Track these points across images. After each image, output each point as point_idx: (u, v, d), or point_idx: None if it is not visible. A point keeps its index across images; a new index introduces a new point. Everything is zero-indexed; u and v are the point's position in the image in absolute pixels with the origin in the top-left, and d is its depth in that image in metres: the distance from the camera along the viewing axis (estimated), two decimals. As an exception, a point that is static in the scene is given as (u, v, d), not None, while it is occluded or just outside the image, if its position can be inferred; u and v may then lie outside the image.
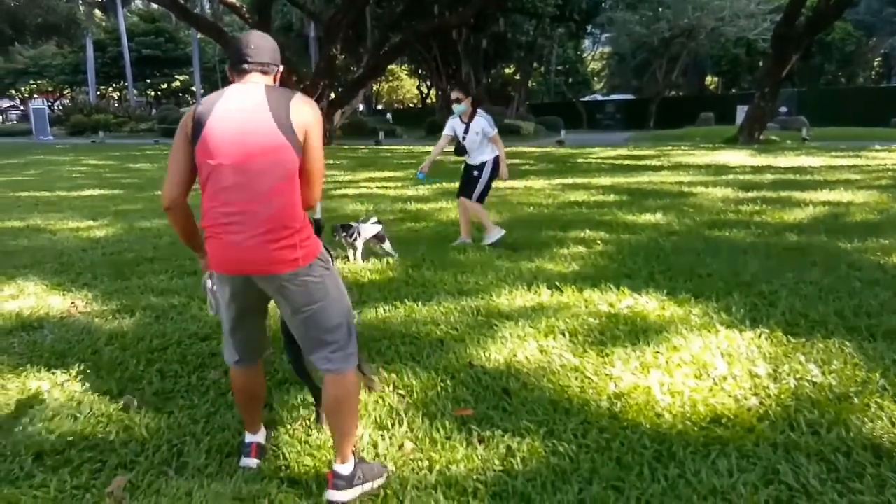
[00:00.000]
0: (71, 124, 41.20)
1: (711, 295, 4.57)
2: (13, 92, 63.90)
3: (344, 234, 5.78)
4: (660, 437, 2.68)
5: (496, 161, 6.31)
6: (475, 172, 6.33)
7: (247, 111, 2.14)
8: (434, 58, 46.32)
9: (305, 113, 2.18)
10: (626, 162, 16.46)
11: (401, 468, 2.53)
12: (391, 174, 13.94)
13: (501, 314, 4.29)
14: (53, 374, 3.47)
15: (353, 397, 2.36)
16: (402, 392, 3.19)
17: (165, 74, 57.94)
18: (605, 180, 12.07)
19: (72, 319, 4.43)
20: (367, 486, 2.35)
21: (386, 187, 11.68)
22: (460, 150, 6.37)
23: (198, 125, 2.16)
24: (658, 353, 3.57)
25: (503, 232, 6.48)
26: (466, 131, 6.17)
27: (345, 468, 2.31)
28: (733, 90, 48.77)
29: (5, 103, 67.28)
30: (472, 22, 34.65)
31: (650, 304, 4.42)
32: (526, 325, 4.04)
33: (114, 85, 60.01)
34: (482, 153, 6.25)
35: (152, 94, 61.16)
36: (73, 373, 3.47)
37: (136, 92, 55.86)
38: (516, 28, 42.17)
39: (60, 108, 53.36)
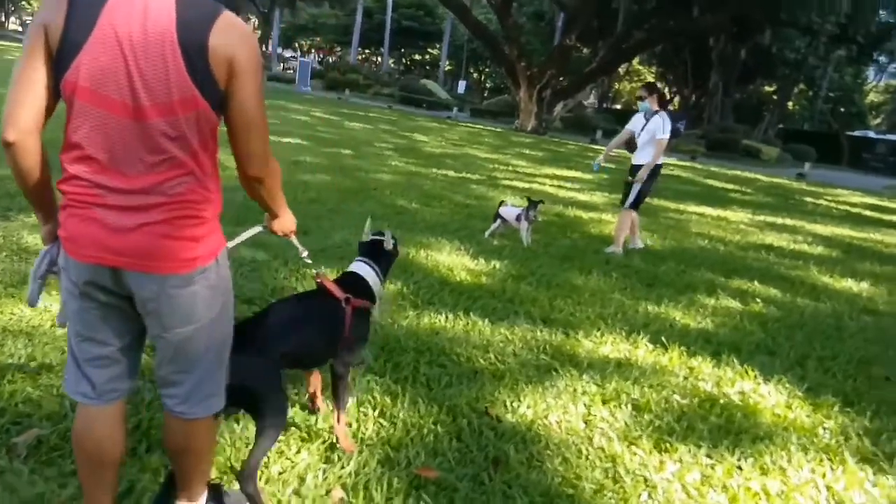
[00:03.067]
0: (328, 80, 45.41)
1: (868, 408, 3.35)
2: (296, 45, 72.27)
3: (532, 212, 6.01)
4: None
5: (656, 168, 6.14)
6: (630, 178, 6.19)
7: (143, 28, 1.39)
8: (683, 62, 43.52)
9: (232, 39, 1.45)
10: (868, 213, 13.76)
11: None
12: (575, 174, 13.08)
13: (572, 358, 3.55)
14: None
15: (203, 448, 1.80)
16: (383, 422, 2.67)
17: (418, 46, 61.52)
18: (824, 228, 10.10)
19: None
20: None
21: (561, 187, 10.93)
22: (633, 145, 6.22)
23: (72, 34, 1.39)
24: (738, 468, 2.63)
25: (620, 253, 6.26)
26: (643, 128, 6.05)
27: None
28: None
29: (288, 54, 76.33)
30: (733, 29, 31.62)
31: (772, 398, 3.36)
32: (591, 381, 3.27)
33: (373, 50, 65.08)
34: (645, 154, 6.06)
35: (402, 62, 65.42)
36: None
37: (390, 59, 60.14)
38: (785, 42, 37.72)
39: (323, 63, 59.18)
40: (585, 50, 41.10)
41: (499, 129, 26.25)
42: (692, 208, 10.10)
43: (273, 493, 2.15)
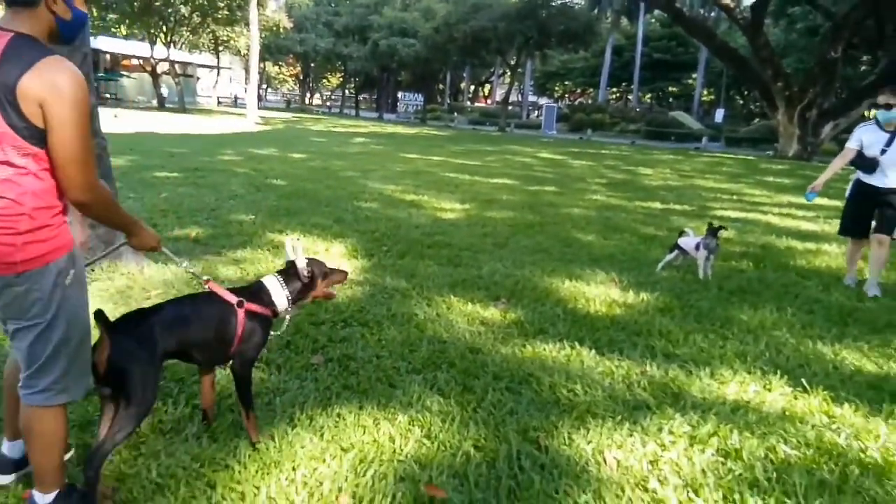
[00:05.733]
0: (573, 121, 45.94)
1: None
2: (549, 91, 74.49)
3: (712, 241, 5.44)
4: None
5: None
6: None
7: None
8: None
9: (44, 83, 1.69)
10: None
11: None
12: (818, 202, 11.34)
13: (677, 397, 3.20)
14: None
15: (45, 435, 1.97)
16: (425, 441, 2.71)
17: (671, 79, 59.16)
18: None
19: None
20: None
21: (789, 215, 9.66)
22: (869, 165, 5.34)
23: None
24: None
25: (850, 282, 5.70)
26: (890, 143, 5.19)
27: (44, 498, 2.01)
28: None
29: (542, 101, 78.96)
30: None
31: (932, 461, 2.66)
32: (686, 422, 2.92)
33: (623, 87, 64.24)
34: None
35: (653, 96, 63.40)
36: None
37: (640, 95, 58.74)
38: None
39: (571, 106, 59.92)
40: (865, 58, 35.68)
41: (750, 158, 23.99)
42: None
43: (289, 494, 2.33)
